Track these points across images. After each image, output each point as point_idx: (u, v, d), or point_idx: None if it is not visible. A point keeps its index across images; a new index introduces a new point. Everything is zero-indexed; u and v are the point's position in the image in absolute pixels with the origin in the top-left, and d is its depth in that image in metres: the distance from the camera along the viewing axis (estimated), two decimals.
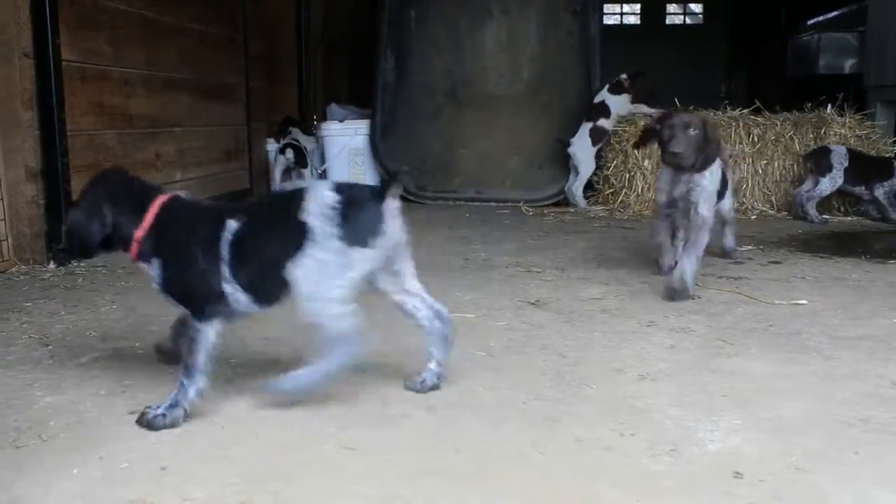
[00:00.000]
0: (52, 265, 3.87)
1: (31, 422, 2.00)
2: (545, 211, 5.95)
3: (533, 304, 3.16)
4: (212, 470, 1.74)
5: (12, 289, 3.46)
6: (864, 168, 5.38)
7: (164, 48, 4.89)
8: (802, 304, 3.15)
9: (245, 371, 2.37)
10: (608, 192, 6.06)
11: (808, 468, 1.74)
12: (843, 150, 5.39)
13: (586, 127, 6.07)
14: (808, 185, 5.43)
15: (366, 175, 6.76)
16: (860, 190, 5.40)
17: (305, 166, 6.48)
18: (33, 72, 3.74)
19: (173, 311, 2.93)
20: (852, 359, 2.48)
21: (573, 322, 2.90)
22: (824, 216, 5.43)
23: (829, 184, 5.34)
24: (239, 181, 6.14)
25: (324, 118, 7.06)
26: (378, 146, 6.71)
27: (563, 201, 6.18)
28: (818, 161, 5.40)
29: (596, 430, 1.94)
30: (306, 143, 6.65)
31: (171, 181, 4.95)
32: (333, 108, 7.16)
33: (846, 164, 5.32)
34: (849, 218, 5.64)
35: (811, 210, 5.39)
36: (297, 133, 6.65)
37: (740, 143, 5.75)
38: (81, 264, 3.95)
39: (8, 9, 3.68)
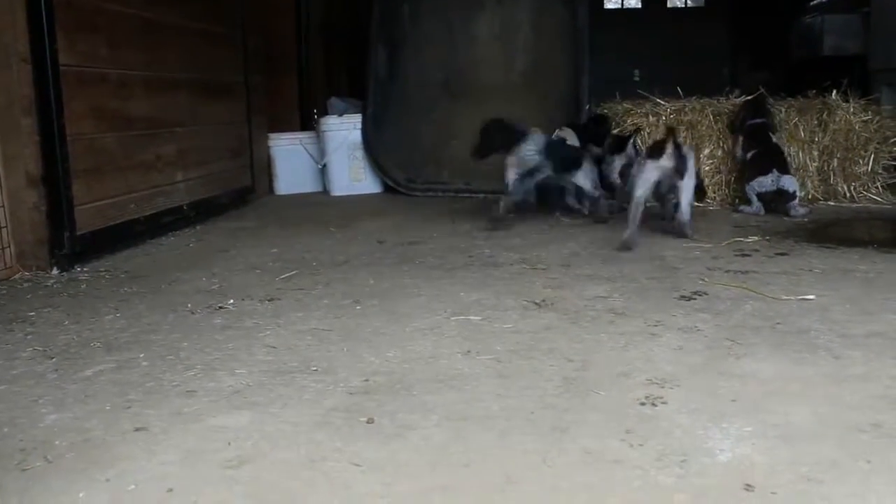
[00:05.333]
0: (55, 271, 3.85)
1: (36, 442, 1.99)
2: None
3: (538, 304, 3.14)
4: (219, 491, 1.73)
5: (16, 298, 3.45)
6: None
7: (163, 48, 4.86)
8: (810, 300, 3.12)
9: (251, 382, 2.36)
10: None
11: (820, 478, 1.72)
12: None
13: None
14: None
15: (365, 170, 6.75)
16: None
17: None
18: (31, 77, 3.72)
19: (175, 319, 2.94)
20: (862, 358, 2.46)
21: (579, 323, 2.88)
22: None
23: None
24: (241, 179, 6.12)
25: (325, 112, 7.02)
26: (370, 140, 6.70)
27: None
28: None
29: (604, 440, 1.93)
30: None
31: (172, 182, 4.93)
32: (334, 101, 7.11)
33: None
34: (854, 204, 5.60)
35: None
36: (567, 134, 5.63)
37: None
38: (84, 269, 3.94)
39: (4, 14, 3.64)
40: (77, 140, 3.97)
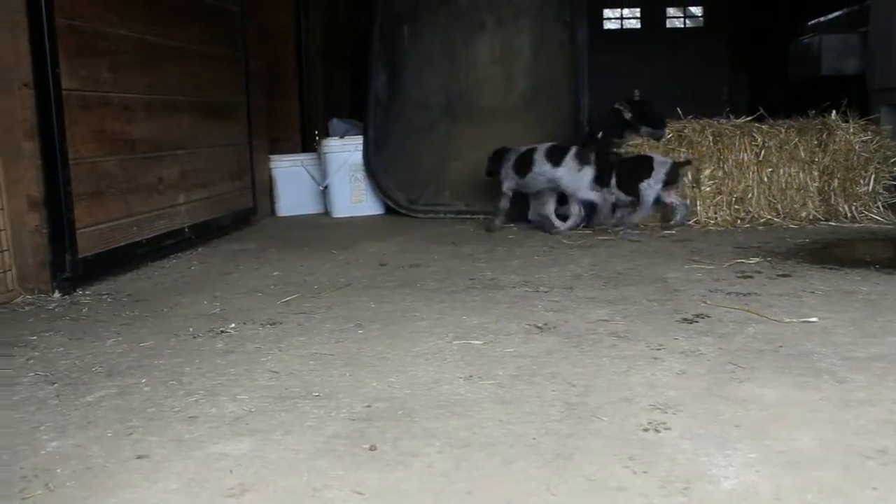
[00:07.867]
0: (56, 294, 3.86)
1: (37, 469, 1.98)
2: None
3: (541, 327, 3.14)
4: None
5: (17, 321, 3.45)
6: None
7: (165, 71, 4.88)
8: (813, 322, 3.11)
9: (253, 408, 2.35)
10: None
11: None
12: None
13: None
14: None
15: (366, 191, 6.77)
16: None
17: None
18: (34, 102, 3.73)
19: (177, 343, 2.94)
20: (865, 382, 2.45)
21: (581, 347, 2.87)
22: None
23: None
24: (242, 200, 6.13)
25: (326, 134, 7.04)
26: (371, 161, 6.72)
27: None
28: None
29: (608, 466, 1.92)
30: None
31: (174, 204, 4.94)
32: (335, 122, 7.15)
33: None
34: (856, 224, 5.61)
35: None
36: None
37: (745, 151, 5.71)
38: (86, 292, 3.94)
39: (7, 40, 3.67)
40: (79, 163, 3.99)
